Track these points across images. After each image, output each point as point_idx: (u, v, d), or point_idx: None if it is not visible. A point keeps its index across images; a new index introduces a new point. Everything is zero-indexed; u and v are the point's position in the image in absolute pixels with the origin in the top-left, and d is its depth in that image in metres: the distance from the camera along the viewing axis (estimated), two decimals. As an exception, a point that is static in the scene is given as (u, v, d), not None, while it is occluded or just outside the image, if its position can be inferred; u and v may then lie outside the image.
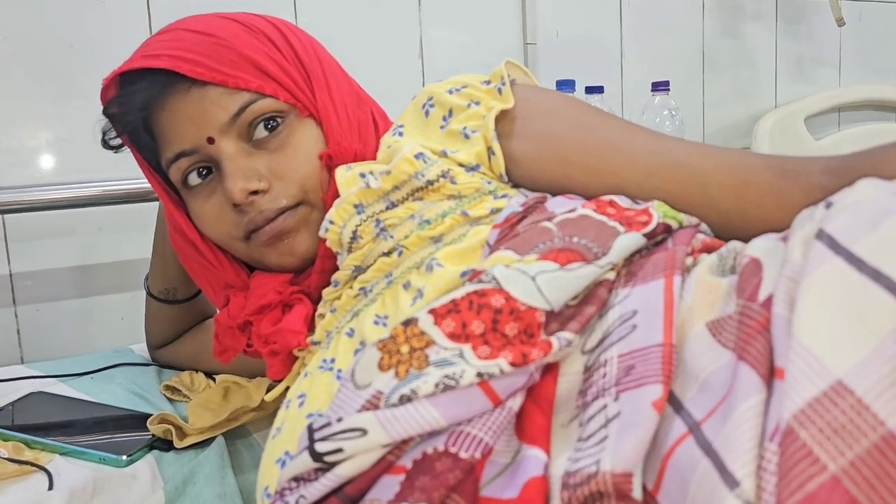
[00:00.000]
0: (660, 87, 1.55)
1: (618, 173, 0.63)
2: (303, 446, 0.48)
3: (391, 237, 0.62)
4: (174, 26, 0.71)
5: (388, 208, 0.63)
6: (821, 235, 0.41)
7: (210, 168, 0.69)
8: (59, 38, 1.20)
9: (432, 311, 0.50)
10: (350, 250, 0.64)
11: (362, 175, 0.64)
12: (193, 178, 0.69)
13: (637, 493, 0.40)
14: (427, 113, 0.68)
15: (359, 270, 0.64)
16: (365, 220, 0.63)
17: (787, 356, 0.37)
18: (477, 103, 0.66)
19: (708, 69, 1.90)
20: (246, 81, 0.67)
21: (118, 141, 0.74)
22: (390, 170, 0.63)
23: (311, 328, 0.67)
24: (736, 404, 0.38)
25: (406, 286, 0.59)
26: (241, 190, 0.66)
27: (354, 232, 0.63)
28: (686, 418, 0.42)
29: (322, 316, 0.66)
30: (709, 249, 0.55)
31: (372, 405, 0.48)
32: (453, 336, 0.49)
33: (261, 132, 0.68)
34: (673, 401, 0.43)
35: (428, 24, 1.52)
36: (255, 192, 0.66)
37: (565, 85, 1.47)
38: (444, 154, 0.64)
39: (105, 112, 0.72)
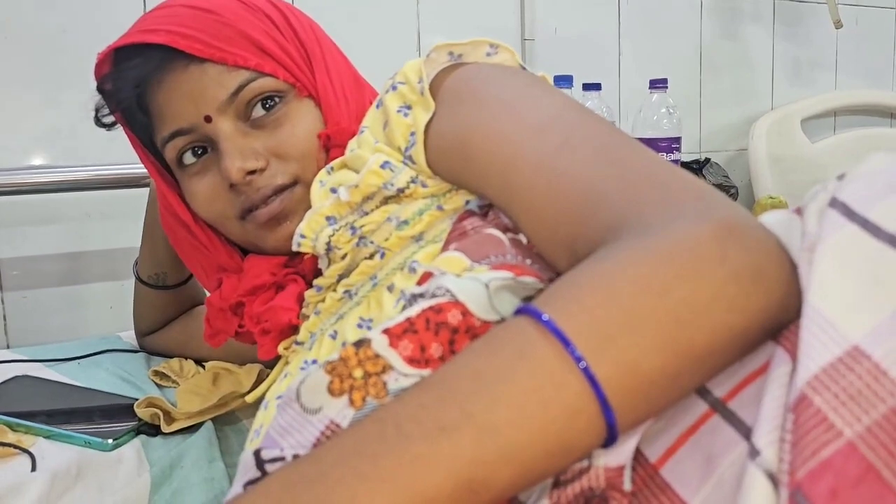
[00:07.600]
0: (657, 84, 1.54)
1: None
2: (250, 476, 0.43)
3: (371, 242, 0.60)
4: (172, 2, 0.69)
5: (361, 216, 0.61)
6: (834, 203, 0.40)
7: (205, 147, 0.67)
8: (50, 23, 1.18)
9: (387, 331, 0.46)
10: (330, 260, 0.62)
11: (333, 191, 0.61)
12: (188, 157, 0.68)
13: (628, 486, 0.39)
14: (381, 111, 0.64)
15: (343, 275, 0.62)
16: (338, 230, 0.60)
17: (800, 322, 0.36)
18: (408, 107, 0.61)
19: (705, 70, 1.89)
20: (245, 59, 0.65)
21: (111, 119, 0.72)
22: (358, 183, 0.60)
23: (302, 306, 0.65)
24: (769, 381, 0.37)
25: (390, 288, 0.58)
26: (238, 169, 0.64)
27: (328, 243, 0.61)
28: (706, 396, 0.40)
29: (306, 317, 0.65)
30: None
31: (327, 438, 0.43)
32: (412, 361, 0.45)
33: (259, 111, 0.66)
34: None
35: (426, 20, 1.51)
36: (252, 172, 0.65)
37: (563, 81, 1.47)
38: (410, 160, 0.60)
39: (98, 88, 0.70)
